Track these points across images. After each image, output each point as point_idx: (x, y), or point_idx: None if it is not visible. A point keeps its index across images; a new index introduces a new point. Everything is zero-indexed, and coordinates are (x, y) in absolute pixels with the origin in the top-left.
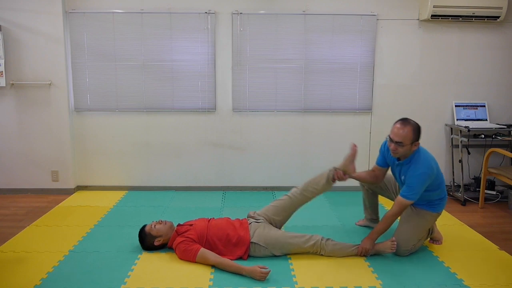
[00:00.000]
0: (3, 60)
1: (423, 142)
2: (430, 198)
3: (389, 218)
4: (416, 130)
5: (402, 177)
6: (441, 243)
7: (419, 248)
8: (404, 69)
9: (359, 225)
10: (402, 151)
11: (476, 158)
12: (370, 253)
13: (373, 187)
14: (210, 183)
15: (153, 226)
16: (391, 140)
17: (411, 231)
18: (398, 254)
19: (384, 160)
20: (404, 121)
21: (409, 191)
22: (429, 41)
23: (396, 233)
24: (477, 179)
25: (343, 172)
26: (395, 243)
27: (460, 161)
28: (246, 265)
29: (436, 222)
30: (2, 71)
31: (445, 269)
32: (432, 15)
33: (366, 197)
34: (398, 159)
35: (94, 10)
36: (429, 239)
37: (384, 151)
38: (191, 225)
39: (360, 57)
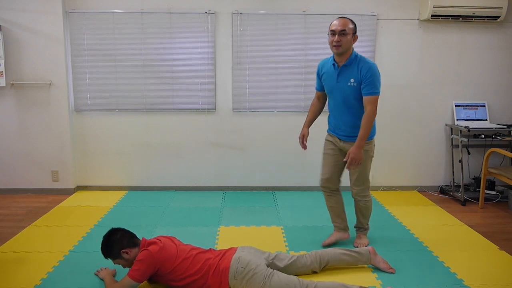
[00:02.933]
0: (3, 60)
1: (423, 142)
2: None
3: (369, 119)
4: (354, 22)
5: (352, 80)
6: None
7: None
8: (404, 69)
9: (328, 244)
10: (345, 42)
11: (476, 158)
12: (361, 163)
13: (335, 187)
14: (210, 183)
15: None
16: (333, 33)
17: (354, 172)
18: (358, 195)
19: (320, 82)
20: (341, 16)
21: (372, 86)
22: (429, 41)
23: (352, 179)
24: (477, 179)
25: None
26: (394, 270)
27: (460, 161)
28: None
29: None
30: (2, 71)
31: (445, 269)
32: (432, 15)
33: (333, 202)
34: (338, 65)
35: (94, 10)
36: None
37: (320, 72)
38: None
39: None
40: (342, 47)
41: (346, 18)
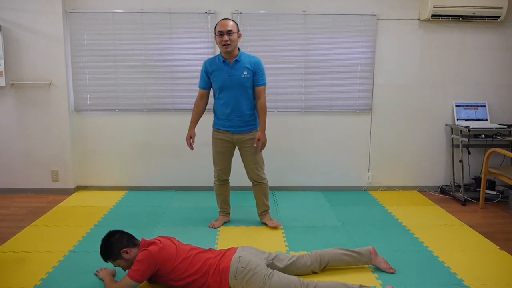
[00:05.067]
0: (3, 60)
1: (423, 142)
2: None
3: (265, 105)
4: (236, 22)
5: (245, 72)
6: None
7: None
8: (404, 69)
9: (217, 227)
10: (233, 40)
11: (476, 158)
12: (265, 145)
13: (226, 177)
14: (210, 183)
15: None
16: (221, 34)
17: (256, 158)
18: (260, 178)
19: (208, 80)
20: (224, 18)
21: (263, 77)
22: (429, 41)
23: (247, 169)
24: (477, 179)
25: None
26: (394, 270)
27: (461, 161)
28: None
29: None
30: (2, 71)
31: (445, 269)
32: (432, 15)
33: (224, 190)
34: (229, 61)
35: (94, 10)
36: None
37: (208, 70)
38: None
39: (360, 57)
40: (231, 45)
41: (229, 19)
